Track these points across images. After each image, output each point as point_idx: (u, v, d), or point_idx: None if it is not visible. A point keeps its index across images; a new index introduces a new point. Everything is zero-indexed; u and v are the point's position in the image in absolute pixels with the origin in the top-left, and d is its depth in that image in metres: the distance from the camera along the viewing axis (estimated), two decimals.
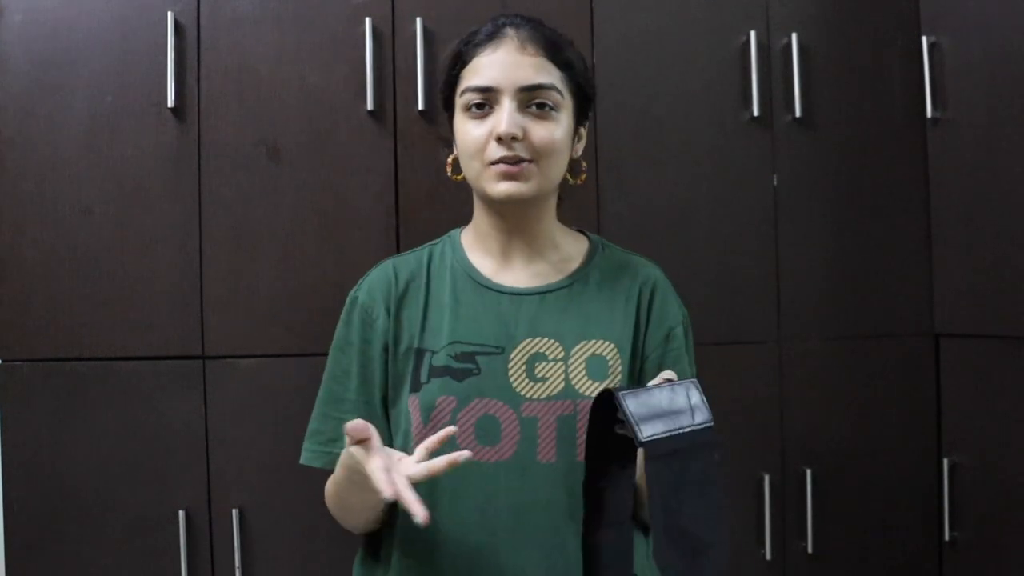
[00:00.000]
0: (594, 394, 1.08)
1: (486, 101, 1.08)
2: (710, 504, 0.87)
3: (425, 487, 1.07)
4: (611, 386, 1.09)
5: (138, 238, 1.59)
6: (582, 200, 1.60)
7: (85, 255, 1.58)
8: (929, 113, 1.72)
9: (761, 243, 1.71)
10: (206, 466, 1.59)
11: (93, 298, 1.58)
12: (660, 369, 1.12)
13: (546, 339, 1.11)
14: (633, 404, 0.86)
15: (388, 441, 1.13)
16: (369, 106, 1.60)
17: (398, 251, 1.46)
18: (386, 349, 1.13)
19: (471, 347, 1.10)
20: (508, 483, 1.07)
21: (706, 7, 1.69)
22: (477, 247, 1.18)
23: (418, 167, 1.62)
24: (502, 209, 1.13)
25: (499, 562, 1.06)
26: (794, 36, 1.69)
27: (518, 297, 1.13)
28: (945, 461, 1.70)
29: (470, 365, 1.10)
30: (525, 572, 1.06)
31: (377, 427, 1.13)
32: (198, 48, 1.59)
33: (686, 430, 0.86)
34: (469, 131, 1.09)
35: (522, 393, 1.09)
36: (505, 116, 1.06)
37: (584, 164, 1.19)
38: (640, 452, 0.94)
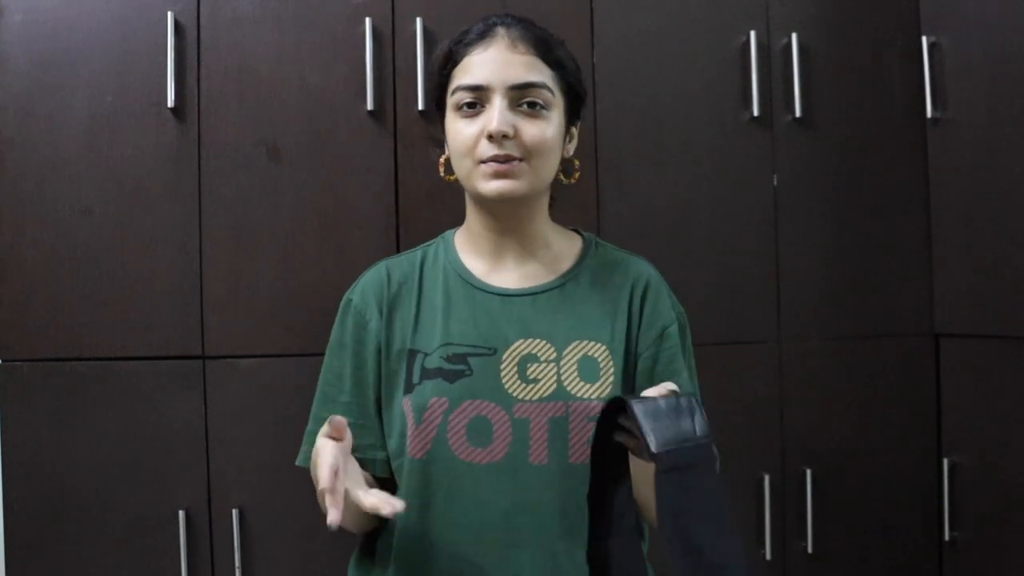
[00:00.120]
0: (586, 396, 1.08)
1: (477, 100, 1.08)
2: (722, 521, 0.87)
3: (419, 488, 1.08)
4: (605, 390, 1.08)
5: (138, 238, 1.59)
6: (582, 200, 1.59)
7: (85, 255, 1.58)
8: (929, 113, 1.71)
9: (761, 243, 1.71)
10: (206, 466, 1.59)
11: (93, 298, 1.58)
12: (653, 369, 1.12)
13: (538, 340, 1.11)
14: (641, 412, 0.86)
15: (382, 443, 1.13)
16: (369, 106, 1.60)
17: (398, 251, 1.46)
18: (379, 351, 1.13)
19: (463, 348, 1.10)
20: (500, 484, 1.07)
21: (706, 7, 1.69)
22: (469, 248, 1.17)
23: (418, 167, 1.62)
24: (494, 208, 1.12)
25: (491, 562, 1.06)
26: (794, 36, 1.69)
27: (510, 298, 1.13)
28: (945, 461, 1.69)
29: (462, 366, 1.09)
30: (517, 573, 1.06)
31: (371, 428, 1.13)
32: (198, 48, 1.59)
33: (690, 445, 0.86)
34: (460, 130, 1.09)
35: (514, 394, 1.08)
36: (496, 114, 1.06)
37: (577, 164, 1.18)
38: (638, 461, 0.93)
